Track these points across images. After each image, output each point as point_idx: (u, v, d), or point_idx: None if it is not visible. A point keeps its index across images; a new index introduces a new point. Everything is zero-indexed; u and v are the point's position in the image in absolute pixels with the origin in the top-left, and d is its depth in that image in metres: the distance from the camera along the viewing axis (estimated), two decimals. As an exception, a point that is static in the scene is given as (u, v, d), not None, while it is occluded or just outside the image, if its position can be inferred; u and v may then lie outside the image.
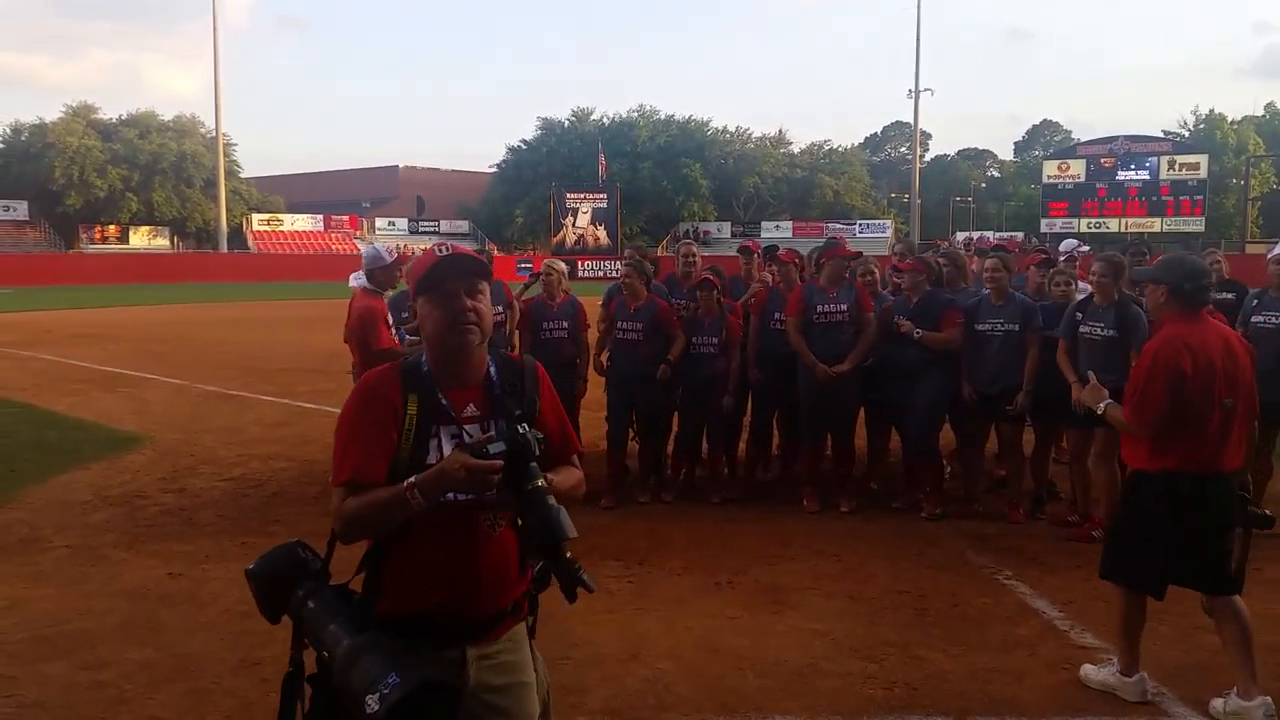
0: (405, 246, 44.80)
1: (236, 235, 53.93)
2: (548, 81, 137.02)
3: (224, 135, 52.18)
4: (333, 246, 54.86)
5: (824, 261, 6.39)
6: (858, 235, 49.33)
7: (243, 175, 60.29)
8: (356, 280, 7.83)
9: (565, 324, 6.63)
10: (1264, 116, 66.78)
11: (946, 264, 6.73)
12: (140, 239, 52.95)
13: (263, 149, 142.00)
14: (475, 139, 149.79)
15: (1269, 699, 3.59)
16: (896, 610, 4.67)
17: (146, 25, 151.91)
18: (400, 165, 74.82)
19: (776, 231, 52.72)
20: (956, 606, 4.72)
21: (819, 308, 6.24)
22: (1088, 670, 3.91)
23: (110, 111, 56.99)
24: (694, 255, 7.30)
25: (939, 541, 5.78)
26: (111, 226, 52.61)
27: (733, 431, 6.86)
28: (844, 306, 6.24)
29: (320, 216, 58.48)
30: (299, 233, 56.75)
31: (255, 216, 56.41)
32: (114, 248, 50.89)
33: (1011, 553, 5.53)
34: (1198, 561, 3.68)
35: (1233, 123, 63.12)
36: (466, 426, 2.04)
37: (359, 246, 38.07)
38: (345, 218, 59.27)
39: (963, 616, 4.60)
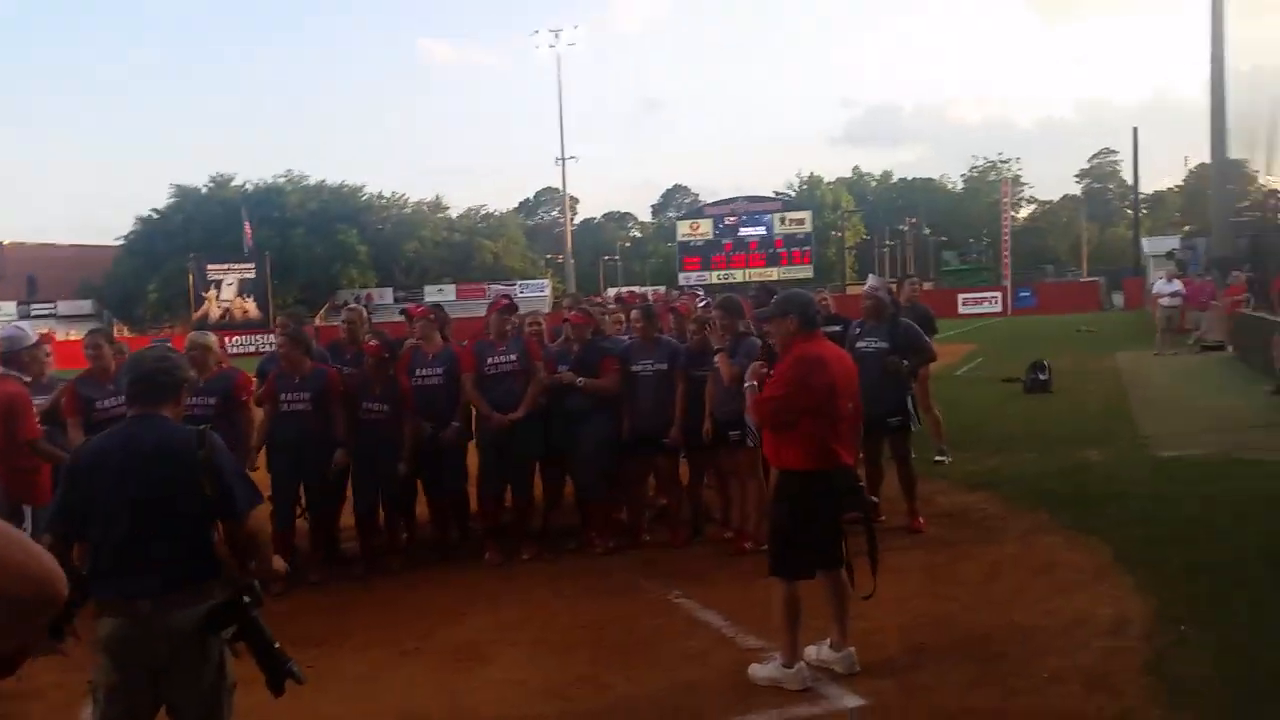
0: (50, 331, 38.84)
1: None
2: (179, 147, 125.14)
3: None
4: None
5: (489, 317, 6.63)
6: (520, 294, 50.51)
7: None
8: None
9: (213, 400, 6.13)
10: (853, 178, 78.50)
11: (639, 318, 6.94)
12: None
13: None
14: (97, 210, 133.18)
15: (853, 650, 4.32)
16: (581, 645, 4.85)
17: None
18: (3, 241, 65.03)
19: (440, 295, 52.46)
20: (634, 631, 5.00)
21: (489, 360, 6.44)
22: (755, 669, 4.29)
23: None
24: (358, 320, 7.21)
25: (613, 573, 6.08)
26: None
27: (409, 495, 6.75)
28: (513, 357, 6.48)
29: (-91, 305, 49.24)
30: (-126, 325, 47.22)
31: None
32: None
33: (678, 574, 5.93)
34: (829, 543, 4.26)
35: (829, 183, 73.35)
36: None
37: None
38: (-63, 303, 50.36)
39: (641, 640, 4.88)
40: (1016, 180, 75.66)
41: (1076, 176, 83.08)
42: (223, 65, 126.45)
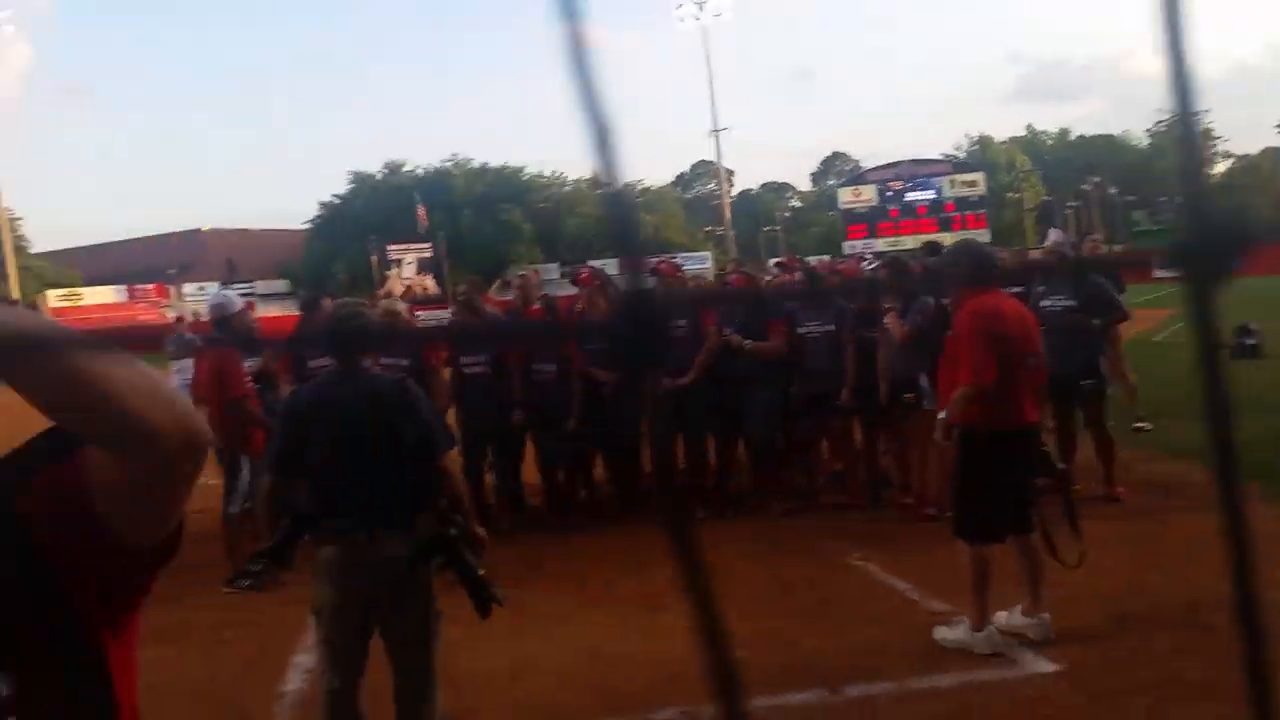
0: (252, 303, 42.49)
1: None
2: (350, 134, 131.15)
3: (6, 211, 48.04)
4: (140, 317, 51.34)
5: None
6: (684, 267, 50.76)
7: (33, 251, 55.96)
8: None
9: (405, 362, 6.52)
10: (1027, 136, 74.06)
11: (803, 279, 7.09)
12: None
13: (55, 222, 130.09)
14: (283, 196, 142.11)
15: (1047, 616, 4.14)
16: (761, 600, 4.89)
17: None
18: (203, 227, 71.04)
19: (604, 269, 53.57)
20: (815, 590, 5.02)
21: None
22: (942, 631, 4.21)
23: None
24: (529, 286, 7.51)
25: (791, 534, 6.10)
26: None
27: (585, 455, 6.97)
28: (683, 322, 6.53)
29: (124, 288, 54.80)
30: (102, 305, 52.77)
31: (51, 293, 52.04)
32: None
33: (858, 537, 5.88)
34: (1016, 507, 4.11)
35: (1001, 143, 69.51)
36: None
37: (167, 315, 36.12)
38: (150, 286, 55.76)
39: (822, 599, 4.90)
40: (1208, 133, 69.28)
41: (1277, 126, 75.42)
42: (384, 54, 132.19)
